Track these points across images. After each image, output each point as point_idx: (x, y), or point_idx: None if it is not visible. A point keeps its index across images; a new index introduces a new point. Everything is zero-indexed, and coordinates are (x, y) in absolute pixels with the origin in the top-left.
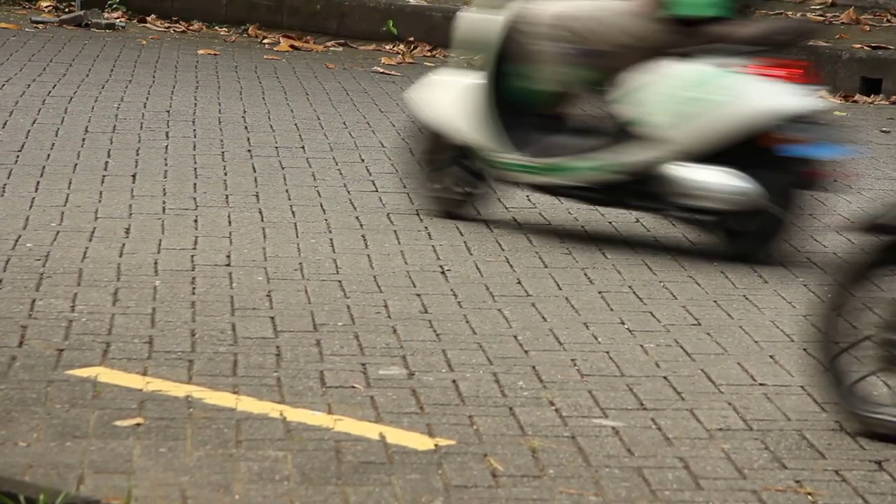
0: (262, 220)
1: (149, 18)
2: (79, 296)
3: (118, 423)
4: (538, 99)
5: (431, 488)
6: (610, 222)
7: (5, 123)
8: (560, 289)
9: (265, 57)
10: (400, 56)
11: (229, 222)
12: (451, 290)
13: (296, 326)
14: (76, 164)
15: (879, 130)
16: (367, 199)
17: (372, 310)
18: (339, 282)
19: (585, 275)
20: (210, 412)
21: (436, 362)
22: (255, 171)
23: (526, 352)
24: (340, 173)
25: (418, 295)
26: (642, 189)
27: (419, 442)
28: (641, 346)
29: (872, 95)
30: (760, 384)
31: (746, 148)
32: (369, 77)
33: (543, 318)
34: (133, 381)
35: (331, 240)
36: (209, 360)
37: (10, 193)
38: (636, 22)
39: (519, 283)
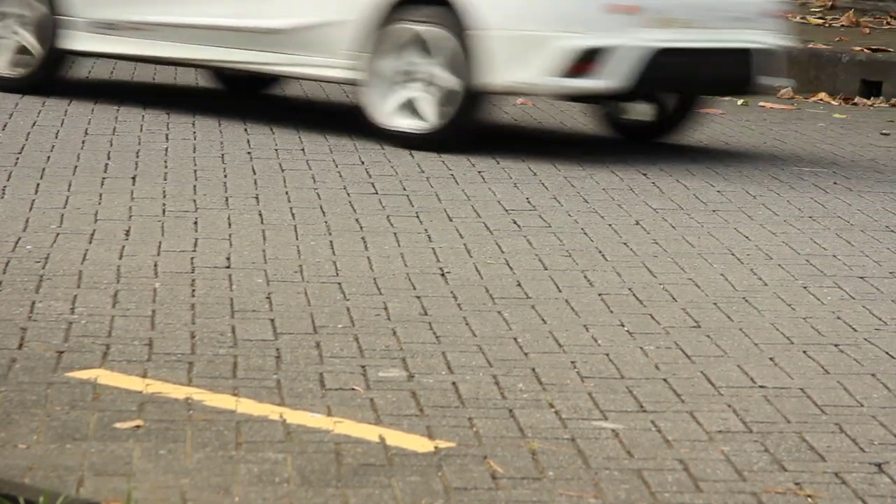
0: (262, 223)
1: None
2: (78, 298)
3: (118, 425)
4: None
5: (431, 490)
6: (609, 224)
7: (5, 125)
8: (560, 291)
9: None
10: None
11: (229, 224)
12: (451, 292)
13: (296, 329)
14: (76, 167)
15: (879, 133)
16: (366, 201)
17: (372, 312)
18: (339, 284)
19: (585, 277)
20: (210, 414)
21: (435, 364)
22: (255, 174)
23: (526, 354)
24: (340, 175)
25: (418, 297)
26: None
27: (419, 444)
28: (641, 348)
29: (872, 98)
30: (760, 386)
31: None
32: None
33: (543, 320)
34: (133, 383)
35: (331, 242)
36: (209, 363)
37: (10, 195)
38: None
39: (519, 285)
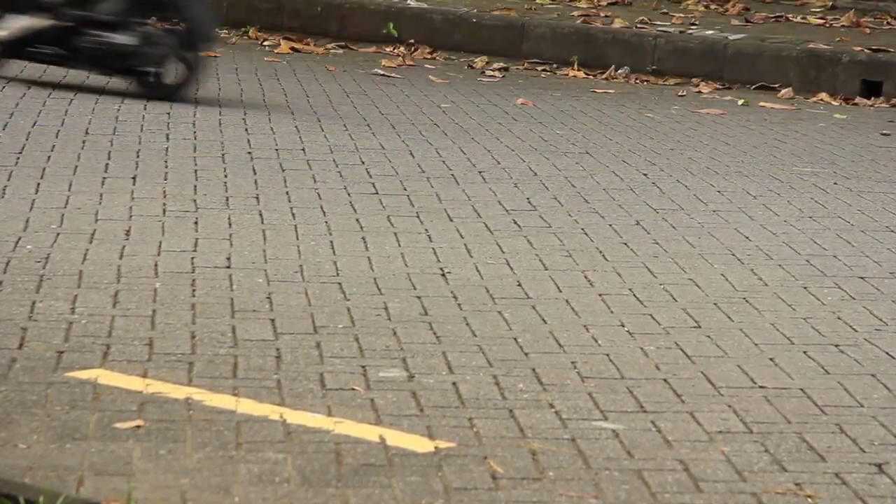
0: (263, 223)
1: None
2: (79, 298)
3: (118, 425)
4: None
5: (431, 490)
6: (610, 225)
7: (5, 125)
8: (560, 291)
9: (266, 59)
10: (400, 58)
11: (229, 224)
12: (452, 292)
13: (296, 329)
14: (76, 166)
15: (880, 133)
16: (367, 201)
17: (372, 312)
18: (340, 284)
19: (585, 277)
20: (210, 414)
21: (436, 364)
22: (255, 174)
23: (526, 354)
24: (341, 175)
25: (418, 297)
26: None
27: (419, 444)
28: (641, 348)
29: (873, 98)
30: (760, 387)
31: None
32: (370, 79)
33: (543, 320)
34: (133, 383)
35: (331, 242)
36: (209, 363)
37: (11, 195)
38: None
39: (519, 285)
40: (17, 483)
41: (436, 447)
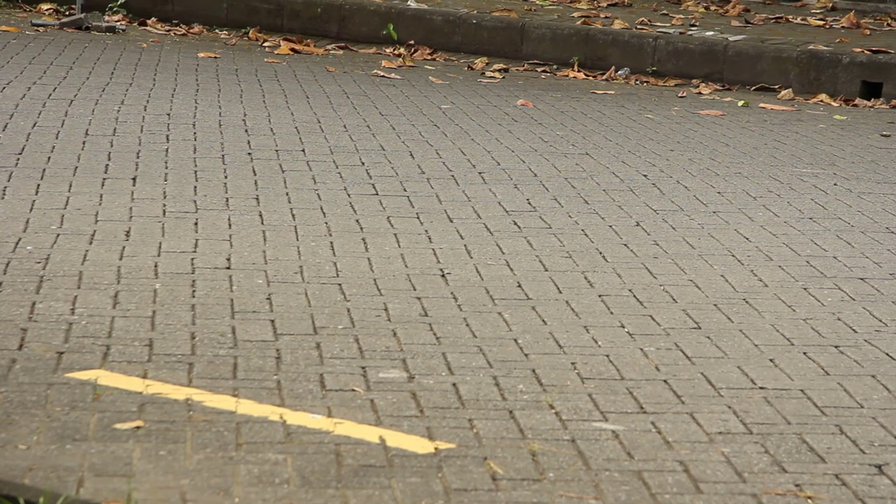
0: (263, 223)
1: (149, 21)
2: (79, 298)
3: (118, 425)
4: None
5: (431, 492)
6: (610, 226)
7: (5, 126)
8: (560, 292)
9: (266, 60)
10: (400, 59)
11: (229, 225)
12: (451, 293)
13: (296, 329)
14: (76, 167)
15: (880, 134)
16: (367, 202)
17: (372, 313)
18: (340, 285)
19: (585, 278)
20: (210, 415)
21: (436, 365)
22: (255, 175)
23: (526, 355)
24: (341, 176)
25: (418, 298)
26: None
27: (419, 445)
28: (641, 349)
29: (873, 99)
30: (760, 388)
31: None
32: (369, 80)
33: (543, 321)
34: (133, 383)
35: (331, 243)
36: (209, 363)
37: (11, 196)
38: None
39: (519, 286)
40: (17, 484)
41: (436, 448)
